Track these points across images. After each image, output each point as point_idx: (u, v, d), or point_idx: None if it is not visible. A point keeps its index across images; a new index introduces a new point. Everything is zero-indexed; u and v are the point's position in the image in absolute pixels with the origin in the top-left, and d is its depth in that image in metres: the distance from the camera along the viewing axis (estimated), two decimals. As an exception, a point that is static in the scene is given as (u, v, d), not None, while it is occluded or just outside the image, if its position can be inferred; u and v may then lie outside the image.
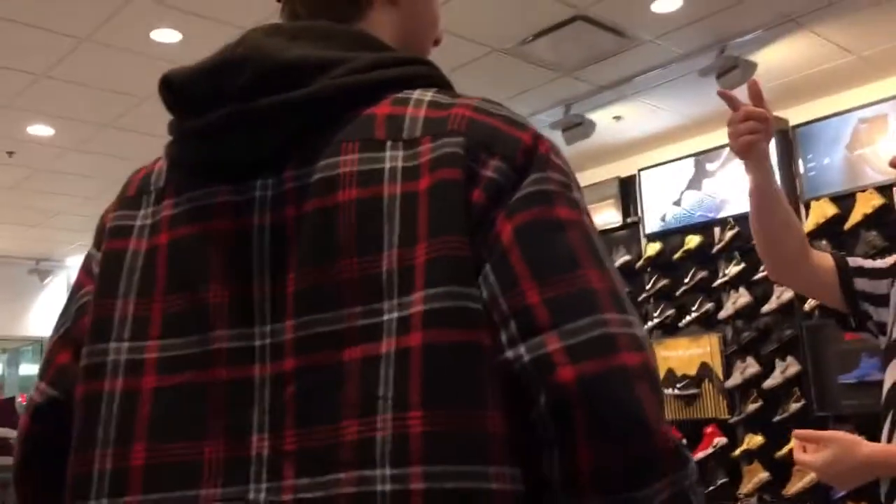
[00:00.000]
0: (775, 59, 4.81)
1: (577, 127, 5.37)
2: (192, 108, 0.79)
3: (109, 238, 0.83)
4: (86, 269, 0.87)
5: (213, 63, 0.78)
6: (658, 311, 5.85)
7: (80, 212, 7.11)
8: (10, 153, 5.86)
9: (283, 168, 0.75)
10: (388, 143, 0.73)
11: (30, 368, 10.11)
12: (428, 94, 0.77)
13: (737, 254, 5.49)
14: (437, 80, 0.81)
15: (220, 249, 0.76)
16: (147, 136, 5.14)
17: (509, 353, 0.67)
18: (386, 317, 0.69)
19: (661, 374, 5.79)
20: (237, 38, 0.80)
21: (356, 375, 0.68)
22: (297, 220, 0.73)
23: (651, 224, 6.08)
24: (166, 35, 4.21)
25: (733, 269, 5.46)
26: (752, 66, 4.66)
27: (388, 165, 0.72)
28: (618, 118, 5.67)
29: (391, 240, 0.70)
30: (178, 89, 0.80)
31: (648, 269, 5.98)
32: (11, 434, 3.96)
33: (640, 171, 6.18)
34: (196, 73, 0.79)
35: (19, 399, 5.13)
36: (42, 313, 9.01)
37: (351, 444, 0.67)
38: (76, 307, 0.85)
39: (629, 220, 6.28)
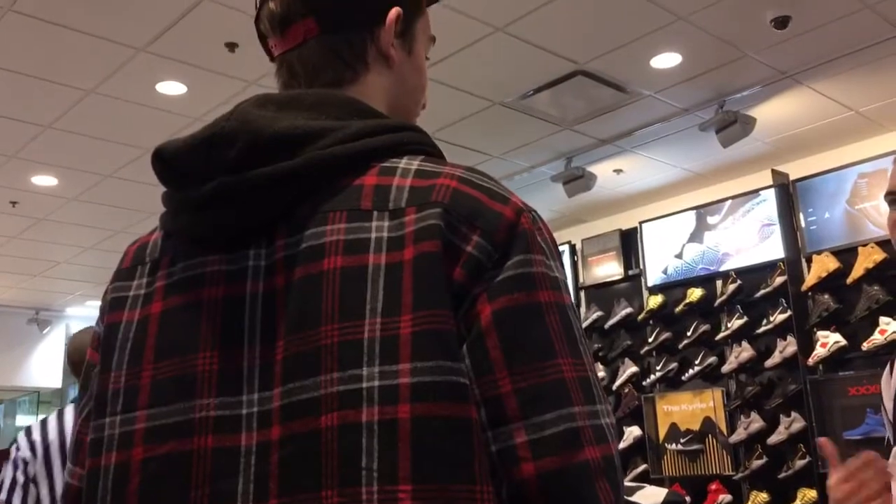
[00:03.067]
0: (774, 114, 4.86)
1: (579, 180, 5.40)
2: (183, 181, 0.80)
3: (108, 311, 0.85)
4: (93, 345, 0.87)
5: (203, 136, 0.79)
6: (660, 365, 5.81)
7: (81, 261, 7.13)
8: (14, 203, 5.89)
9: (274, 236, 0.76)
10: (375, 214, 0.74)
11: (26, 420, 10.01)
12: (415, 163, 0.77)
13: (739, 307, 5.47)
14: (425, 147, 0.81)
15: (212, 317, 0.77)
16: (149, 187, 5.16)
17: (484, 439, 0.68)
18: (366, 384, 0.68)
19: (664, 428, 5.73)
20: (228, 111, 0.80)
21: (334, 443, 0.68)
22: (285, 288, 0.74)
23: (653, 276, 6.08)
24: (172, 87, 4.26)
25: (736, 323, 5.44)
26: (752, 121, 4.71)
27: (374, 235, 0.73)
28: (619, 171, 5.70)
29: (374, 308, 0.70)
30: (169, 162, 0.81)
31: (650, 322, 5.95)
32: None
33: (641, 223, 6.19)
34: (187, 145, 0.79)
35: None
36: (41, 363, 8.95)
37: None
38: (91, 384, 0.85)
39: (631, 272, 6.28)
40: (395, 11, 0.88)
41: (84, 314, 8.86)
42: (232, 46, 3.81)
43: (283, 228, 0.76)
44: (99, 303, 0.91)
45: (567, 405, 0.69)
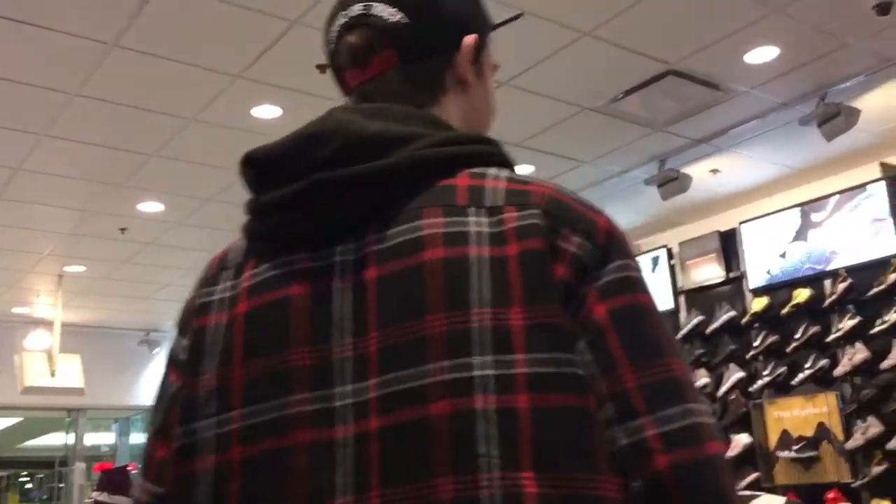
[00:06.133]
0: (879, 104, 4.64)
1: (673, 181, 5.29)
2: (275, 181, 0.81)
3: (196, 316, 0.85)
4: (171, 360, 0.88)
5: (299, 136, 0.81)
6: (769, 369, 5.61)
7: (187, 283, 7.33)
8: (123, 229, 6.17)
9: (363, 234, 0.78)
10: (471, 210, 0.76)
11: (140, 437, 10.44)
12: (503, 172, 0.81)
13: (851, 307, 5.24)
14: (504, 160, 0.85)
15: (299, 313, 0.77)
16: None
17: (608, 433, 0.70)
18: (478, 372, 0.69)
19: (775, 435, 5.53)
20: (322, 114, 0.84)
21: (445, 430, 0.68)
22: (379, 281, 0.75)
23: (756, 278, 5.88)
24: (267, 111, 4.39)
25: (848, 323, 5.20)
26: (856, 113, 4.51)
27: (473, 229, 0.75)
28: (715, 171, 5.56)
29: (481, 298, 0.71)
30: (262, 164, 0.83)
31: (756, 325, 5.76)
32: (126, 502, 4.06)
33: (741, 223, 6.01)
34: (282, 146, 0.82)
35: (130, 468, 5.28)
36: (152, 383, 9.31)
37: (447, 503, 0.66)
38: (167, 400, 0.85)
39: (732, 274, 6.10)
40: (472, 38, 0.92)
41: (191, 334, 9.15)
42: (323, 68, 3.89)
43: (374, 226, 0.77)
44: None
45: (686, 401, 0.71)
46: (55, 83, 4.06)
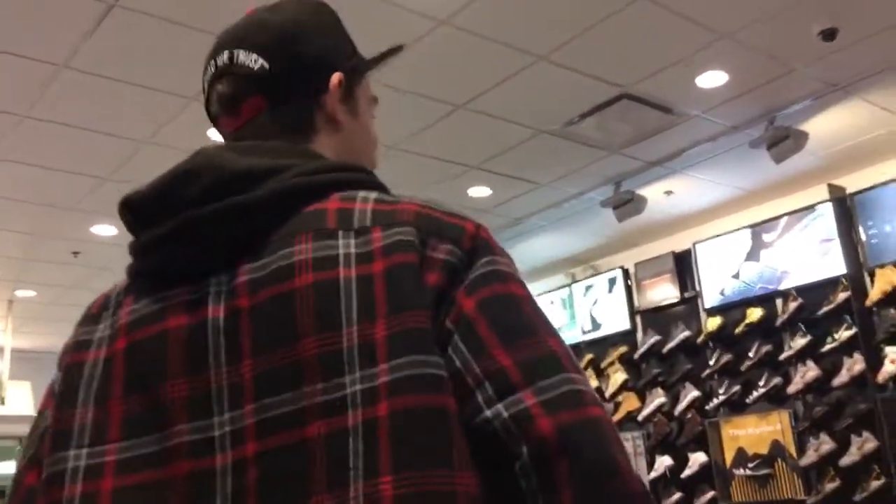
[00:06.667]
0: (827, 127, 4.77)
1: (629, 203, 5.35)
2: (151, 220, 0.83)
3: (71, 353, 0.87)
4: (49, 392, 0.89)
5: (171, 174, 0.83)
6: (723, 388, 5.68)
7: (142, 307, 7.28)
8: (76, 253, 6.06)
9: (235, 264, 0.79)
10: (340, 233, 0.78)
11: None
12: (372, 195, 0.83)
13: (802, 326, 5.34)
14: (377, 185, 0.87)
15: (176, 346, 0.78)
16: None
17: (487, 413, 0.71)
18: (349, 390, 0.71)
19: (731, 453, 5.59)
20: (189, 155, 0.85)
21: (322, 451, 0.70)
22: (251, 309, 0.77)
23: (710, 298, 5.97)
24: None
25: (800, 342, 5.30)
26: (804, 136, 4.63)
27: (342, 251, 0.77)
28: (669, 193, 5.64)
29: (349, 318, 0.73)
30: (137, 206, 0.85)
31: (710, 345, 5.83)
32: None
33: (695, 244, 6.10)
34: (154, 186, 0.84)
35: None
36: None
37: None
38: (40, 431, 0.86)
39: (687, 294, 6.18)
40: (336, 76, 0.94)
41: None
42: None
43: (245, 256, 0.79)
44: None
45: (564, 371, 0.73)
46: (4, 105, 3.99)
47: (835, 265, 5.25)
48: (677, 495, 5.81)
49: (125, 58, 3.66)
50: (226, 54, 0.94)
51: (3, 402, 7.13)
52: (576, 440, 0.69)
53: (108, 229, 5.68)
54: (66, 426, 0.81)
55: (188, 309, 0.79)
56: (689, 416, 5.86)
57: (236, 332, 0.76)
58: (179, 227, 0.80)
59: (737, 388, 5.62)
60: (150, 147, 4.48)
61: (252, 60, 0.92)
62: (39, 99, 3.93)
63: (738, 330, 5.68)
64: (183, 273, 0.81)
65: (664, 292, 6.31)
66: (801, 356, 5.30)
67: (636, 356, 6.34)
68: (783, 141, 4.57)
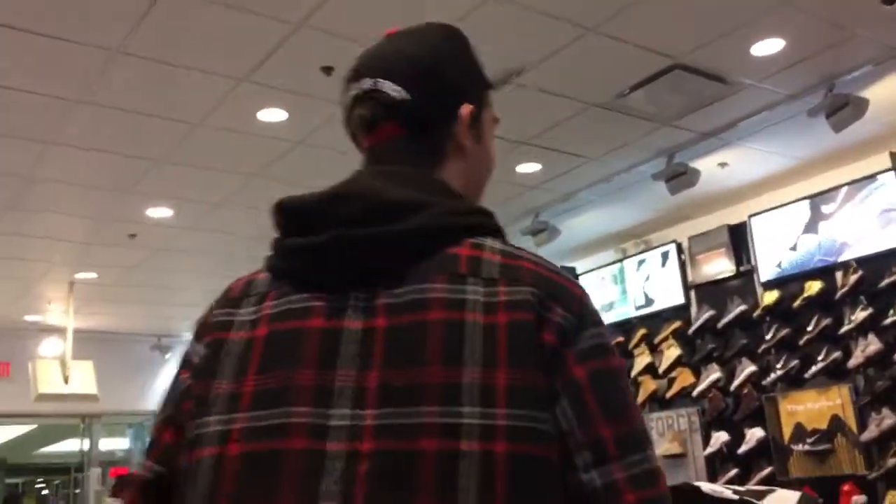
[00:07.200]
0: (888, 93, 4.60)
1: (682, 176, 5.26)
2: (302, 229, 0.93)
3: (214, 331, 0.97)
4: (185, 362, 1.00)
5: (328, 193, 0.94)
6: (781, 362, 5.58)
7: (198, 287, 7.41)
8: (133, 235, 6.19)
9: (374, 286, 0.89)
10: (470, 279, 0.89)
11: (154, 441, 10.43)
12: (497, 245, 0.94)
13: (862, 298, 5.21)
14: (496, 229, 0.98)
15: (312, 343, 0.89)
16: (256, 212, 5.33)
17: (584, 476, 0.84)
18: (466, 420, 0.82)
19: (789, 428, 5.52)
20: (346, 177, 0.98)
21: (431, 464, 0.80)
22: (386, 329, 0.87)
23: (766, 272, 5.85)
24: (272, 114, 4.39)
25: (860, 315, 5.17)
26: (864, 103, 4.48)
27: (470, 297, 0.88)
28: (723, 164, 5.53)
29: (473, 358, 0.84)
30: (291, 212, 0.96)
31: (767, 319, 5.73)
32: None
33: (750, 217, 5.98)
34: (312, 199, 0.95)
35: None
36: (164, 388, 9.34)
37: None
38: (178, 394, 0.98)
39: (742, 268, 6.07)
40: (467, 109, 1.04)
41: (202, 338, 9.17)
42: (328, 70, 3.90)
43: (385, 280, 0.89)
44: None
45: (645, 449, 0.87)
46: (59, 90, 4.07)
47: (897, 236, 5.10)
48: (734, 471, 5.75)
49: (176, 41, 3.70)
50: (369, 81, 1.02)
51: (66, 382, 7.34)
52: None
53: (164, 211, 5.79)
54: (206, 394, 0.91)
55: (328, 315, 0.90)
56: (746, 391, 5.78)
57: (370, 345, 0.86)
58: (328, 243, 0.90)
59: (795, 362, 5.52)
60: (201, 129, 4.53)
61: (394, 90, 1.01)
62: (93, 84, 4.00)
63: (796, 303, 5.56)
64: (325, 282, 0.92)
65: (719, 266, 6.21)
66: (862, 329, 5.18)
67: (690, 331, 6.26)
68: (842, 108, 4.43)
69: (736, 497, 1.79)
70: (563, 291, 0.90)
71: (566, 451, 0.84)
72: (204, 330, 0.98)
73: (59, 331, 7.95)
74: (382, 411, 0.83)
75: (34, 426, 11.75)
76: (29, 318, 8.34)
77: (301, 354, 0.88)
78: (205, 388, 0.92)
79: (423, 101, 1.01)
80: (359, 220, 0.90)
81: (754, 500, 1.82)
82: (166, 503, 0.93)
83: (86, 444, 9.70)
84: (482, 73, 1.10)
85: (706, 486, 1.88)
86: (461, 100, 1.04)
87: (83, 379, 7.45)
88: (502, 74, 1.10)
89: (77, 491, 10.41)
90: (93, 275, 7.17)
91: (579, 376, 0.86)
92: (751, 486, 4.84)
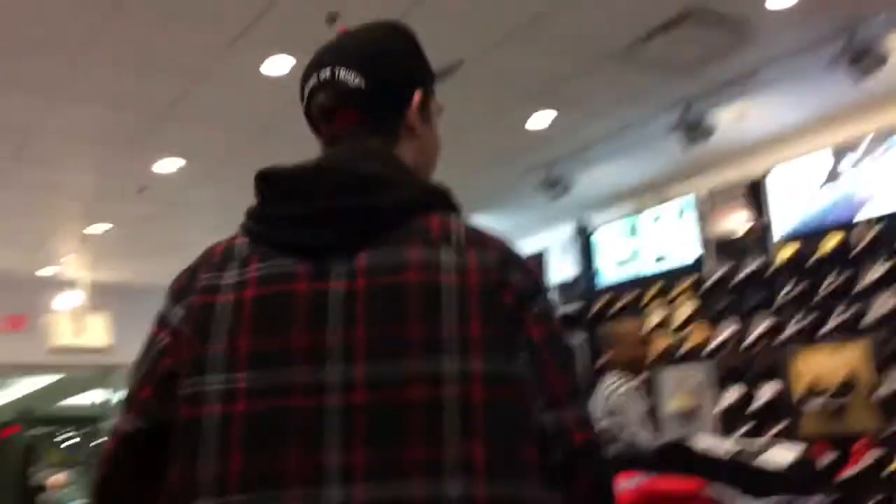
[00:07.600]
0: (913, 41, 4.45)
1: (698, 128, 5.15)
2: (284, 198, 1.02)
3: (200, 294, 1.02)
4: (161, 322, 1.06)
5: (311, 168, 1.03)
6: (796, 318, 5.51)
7: (209, 241, 7.40)
8: (142, 189, 6.16)
9: (353, 253, 0.98)
10: (443, 245, 1.00)
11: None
12: (460, 219, 1.06)
13: (882, 254, 5.10)
14: (456, 206, 1.09)
15: (300, 305, 0.96)
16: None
17: (540, 417, 0.98)
18: (446, 368, 0.93)
19: (804, 384, 5.46)
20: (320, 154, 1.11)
21: (419, 411, 0.91)
22: (368, 289, 0.96)
23: (784, 227, 5.74)
24: (279, 64, 4.32)
25: (879, 271, 5.07)
26: (888, 50, 4.33)
27: (444, 260, 0.98)
28: (740, 117, 5.38)
29: (449, 314, 0.95)
30: (275, 182, 1.04)
31: (783, 274, 5.64)
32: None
33: (768, 171, 5.86)
34: (293, 171, 1.03)
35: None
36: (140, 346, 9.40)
37: (418, 463, 0.90)
38: (155, 352, 1.04)
39: (759, 223, 5.96)
40: (418, 95, 1.16)
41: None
42: (333, 17, 3.81)
43: (364, 247, 0.98)
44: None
45: (584, 401, 1.06)
46: (61, 45, 4.02)
47: (919, 190, 4.97)
48: (747, 426, 5.71)
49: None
50: (327, 70, 1.13)
51: (80, 334, 7.41)
52: (592, 451, 1.02)
53: (174, 163, 5.76)
54: (201, 354, 0.97)
55: (313, 278, 0.97)
56: (760, 347, 5.72)
57: (353, 304, 0.95)
58: (312, 211, 1.00)
59: (810, 318, 5.44)
60: (204, 83, 4.47)
61: (351, 78, 1.11)
62: (98, 36, 3.94)
63: (813, 259, 5.46)
64: (309, 247, 0.99)
65: (735, 220, 6.10)
66: (881, 285, 5.08)
67: (705, 287, 6.19)
68: (865, 56, 4.28)
69: (727, 458, 1.75)
70: (521, 262, 1.05)
71: (529, 395, 0.98)
72: (184, 292, 1.04)
73: (74, 284, 8.00)
74: (371, 363, 0.92)
75: (57, 377, 11.94)
76: (43, 271, 8.39)
77: (293, 316, 0.96)
78: (193, 348, 0.98)
79: (378, 88, 1.12)
80: (339, 192, 0.99)
81: (746, 461, 1.78)
82: (143, 454, 1.00)
83: (108, 396, 9.86)
84: (428, 65, 1.21)
85: (704, 443, 1.84)
86: (413, 86, 1.16)
87: (98, 331, 7.52)
88: (444, 67, 1.25)
89: (100, 441, 10.59)
90: (106, 227, 7.17)
91: (536, 336, 1.00)
92: (759, 440, 4.82)
